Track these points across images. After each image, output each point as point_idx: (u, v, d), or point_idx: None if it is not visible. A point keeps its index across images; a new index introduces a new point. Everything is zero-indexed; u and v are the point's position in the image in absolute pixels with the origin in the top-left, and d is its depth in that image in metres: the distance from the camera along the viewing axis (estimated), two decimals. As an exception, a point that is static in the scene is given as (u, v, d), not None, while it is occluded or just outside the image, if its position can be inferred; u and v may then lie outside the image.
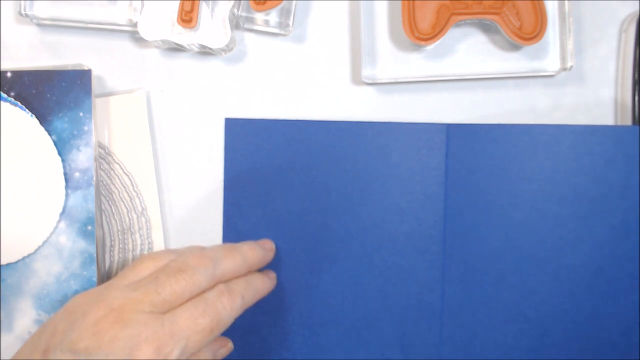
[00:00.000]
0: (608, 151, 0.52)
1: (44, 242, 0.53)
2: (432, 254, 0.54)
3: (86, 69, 0.54)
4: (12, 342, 0.53)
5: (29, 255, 0.53)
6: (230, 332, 0.53)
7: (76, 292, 0.53)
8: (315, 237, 0.55)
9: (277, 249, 0.55)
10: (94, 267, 0.53)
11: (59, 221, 0.53)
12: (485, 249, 0.53)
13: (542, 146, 0.53)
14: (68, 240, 0.53)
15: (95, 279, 0.53)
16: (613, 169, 0.52)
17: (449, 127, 0.53)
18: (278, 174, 0.55)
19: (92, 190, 0.53)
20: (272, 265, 0.54)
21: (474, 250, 0.53)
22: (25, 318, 0.53)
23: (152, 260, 0.48)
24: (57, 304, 0.53)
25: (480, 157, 0.53)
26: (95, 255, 0.53)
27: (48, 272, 0.53)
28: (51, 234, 0.53)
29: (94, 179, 0.53)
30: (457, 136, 0.53)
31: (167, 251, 0.49)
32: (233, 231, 0.55)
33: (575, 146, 0.52)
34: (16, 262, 0.53)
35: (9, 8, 0.57)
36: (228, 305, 0.46)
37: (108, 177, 0.55)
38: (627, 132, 0.52)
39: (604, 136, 0.52)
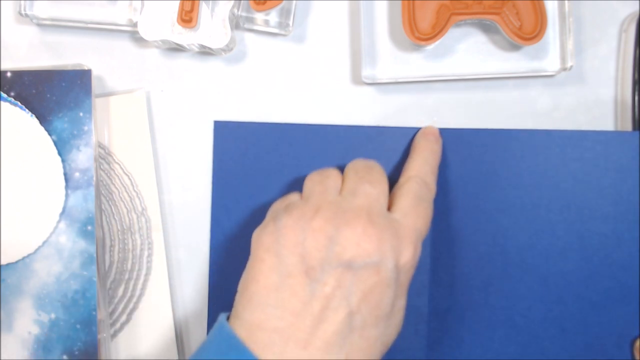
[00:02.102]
0: (605, 157, 0.52)
1: (44, 242, 0.53)
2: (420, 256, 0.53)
3: (86, 69, 0.54)
4: (12, 342, 0.53)
5: (28, 256, 0.53)
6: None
7: (76, 292, 0.53)
8: None
9: None
10: (94, 267, 0.53)
11: (59, 221, 0.53)
12: (473, 253, 0.53)
13: (532, 151, 0.53)
14: (68, 240, 0.53)
15: (95, 279, 0.53)
16: (609, 175, 0.52)
17: (438, 131, 0.53)
18: (267, 177, 0.54)
19: (92, 190, 0.53)
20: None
21: (461, 255, 0.53)
22: (25, 318, 0.53)
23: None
24: (57, 303, 0.53)
25: (469, 162, 0.53)
26: (95, 255, 0.53)
27: (48, 272, 0.53)
28: (51, 234, 0.53)
29: (94, 179, 0.53)
30: (446, 140, 0.53)
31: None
32: (220, 234, 0.55)
33: (566, 152, 0.52)
34: (16, 262, 0.53)
35: (9, 8, 0.57)
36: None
37: (108, 177, 0.55)
38: (627, 138, 0.52)
39: (600, 142, 0.52)
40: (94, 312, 0.53)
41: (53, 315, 0.53)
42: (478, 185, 0.53)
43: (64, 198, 0.53)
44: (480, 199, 0.53)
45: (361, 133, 0.54)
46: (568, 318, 0.52)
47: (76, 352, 0.53)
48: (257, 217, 0.54)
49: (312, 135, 0.54)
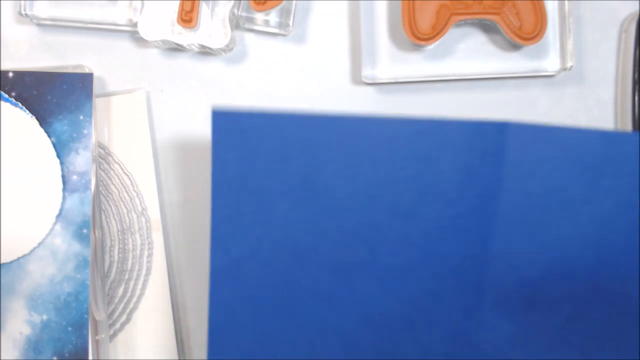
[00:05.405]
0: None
1: (39, 244, 0.53)
2: (471, 275, 0.44)
3: (87, 71, 0.54)
4: (2, 342, 0.53)
5: (23, 256, 0.53)
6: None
7: (69, 295, 0.52)
8: (330, 261, 0.44)
9: (284, 273, 0.44)
10: (88, 271, 0.53)
11: (54, 223, 0.53)
12: (535, 273, 0.44)
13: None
14: (63, 243, 0.53)
15: (88, 282, 0.53)
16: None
17: (508, 127, 0.42)
18: (282, 181, 0.43)
19: (89, 193, 0.53)
20: (282, 293, 0.45)
21: (523, 274, 0.44)
22: (16, 318, 0.53)
23: None
24: (49, 305, 0.53)
25: (545, 167, 0.43)
26: (89, 258, 0.53)
27: (42, 273, 0.53)
28: (47, 235, 0.53)
29: (93, 181, 0.53)
30: (517, 139, 0.43)
31: None
32: (223, 257, 0.45)
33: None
34: (10, 263, 0.53)
35: (9, 8, 0.57)
36: None
37: (108, 177, 0.55)
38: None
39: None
40: (85, 315, 0.52)
41: (45, 317, 0.53)
42: (548, 193, 0.43)
43: (60, 200, 0.53)
44: (549, 211, 0.44)
45: (404, 127, 0.43)
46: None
47: (66, 355, 0.52)
48: (271, 232, 0.44)
49: (340, 129, 0.43)
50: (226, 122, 0.43)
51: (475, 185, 0.43)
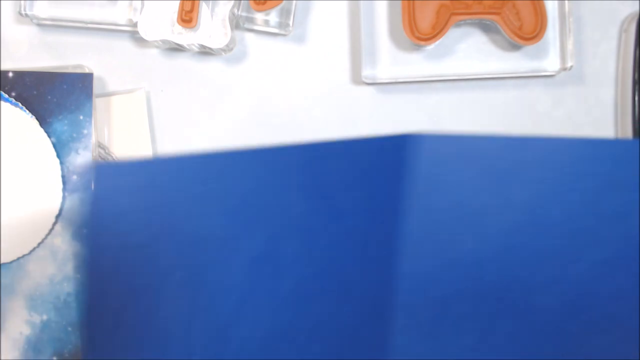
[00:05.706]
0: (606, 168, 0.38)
1: (39, 244, 0.53)
2: (380, 300, 0.37)
3: (87, 71, 0.54)
4: (2, 342, 0.53)
5: (23, 256, 0.53)
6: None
7: (69, 295, 0.53)
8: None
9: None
10: (89, 270, 0.53)
11: (54, 223, 0.53)
12: (446, 291, 0.37)
13: (529, 163, 0.37)
14: (63, 243, 0.53)
15: (89, 282, 0.53)
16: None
17: (409, 140, 0.36)
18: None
19: (89, 193, 0.53)
20: None
21: (433, 293, 0.38)
22: (17, 318, 0.53)
23: None
24: (49, 305, 0.53)
25: (454, 180, 0.37)
26: (91, 258, 0.53)
27: (42, 273, 0.53)
28: (46, 235, 0.53)
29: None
30: (423, 152, 0.37)
31: None
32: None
33: (569, 163, 0.38)
34: (10, 263, 0.53)
35: (9, 8, 0.57)
36: None
37: (107, 177, 0.55)
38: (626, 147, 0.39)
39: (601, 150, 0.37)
40: (86, 316, 0.52)
41: (45, 317, 0.53)
42: (461, 205, 0.37)
43: (60, 200, 0.53)
44: (462, 222, 0.37)
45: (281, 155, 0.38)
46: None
47: (66, 355, 0.52)
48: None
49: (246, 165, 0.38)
50: (111, 181, 0.39)
51: (376, 206, 0.37)
